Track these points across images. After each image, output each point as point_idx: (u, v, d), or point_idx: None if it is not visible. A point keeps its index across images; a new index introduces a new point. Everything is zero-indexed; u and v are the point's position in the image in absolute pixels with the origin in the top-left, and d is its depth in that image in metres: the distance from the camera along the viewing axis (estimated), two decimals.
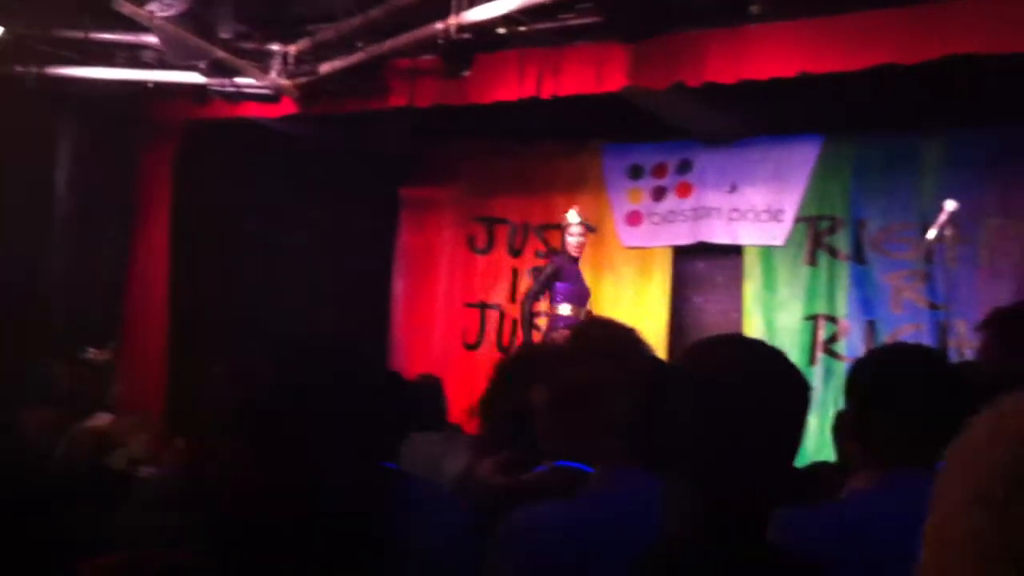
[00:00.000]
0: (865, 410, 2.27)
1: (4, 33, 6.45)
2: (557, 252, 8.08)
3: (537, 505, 2.40)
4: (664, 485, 1.72)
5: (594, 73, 6.41)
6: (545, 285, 7.90)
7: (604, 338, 3.42)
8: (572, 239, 7.87)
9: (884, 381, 2.26)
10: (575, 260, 7.90)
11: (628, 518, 2.17)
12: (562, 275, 7.83)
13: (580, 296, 7.83)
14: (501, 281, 9.20)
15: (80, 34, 7.03)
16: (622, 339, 3.38)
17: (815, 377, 7.76)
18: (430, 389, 5.42)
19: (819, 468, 3.48)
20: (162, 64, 7.23)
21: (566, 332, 7.65)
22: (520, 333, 8.23)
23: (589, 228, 8.00)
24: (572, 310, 7.72)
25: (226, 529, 1.90)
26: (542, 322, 7.88)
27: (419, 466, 5.14)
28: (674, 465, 1.70)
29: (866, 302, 7.68)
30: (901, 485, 2.07)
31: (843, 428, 3.28)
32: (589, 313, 7.59)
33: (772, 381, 1.67)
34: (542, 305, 7.96)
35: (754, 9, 5.17)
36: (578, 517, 2.33)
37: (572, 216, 7.92)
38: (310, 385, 1.93)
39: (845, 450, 3.52)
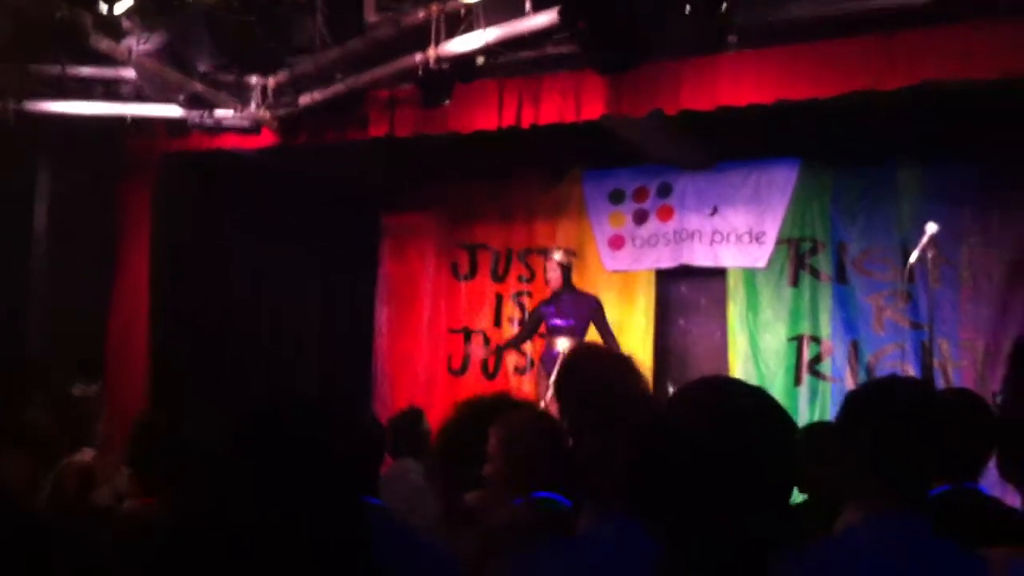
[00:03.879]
0: (880, 444, 2.27)
1: None
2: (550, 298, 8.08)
3: (528, 551, 2.40)
4: (656, 531, 1.71)
5: (573, 102, 6.45)
6: (524, 337, 8.34)
7: (594, 372, 3.36)
8: (548, 273, 8.01)
9: (895, 418, 2.26)
10: (563, 294, 7.90)
11: (619, 566, 2.17)
12: (548, 317, 7.92)
13: (573, 329, 7.82)
14: (485, 307, 9.20)
15: (57, 69, 7.00)
16: (613, 371, 3.32)
17: (800, 397, 7.80)
18: (407, 419, 5.48)
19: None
20: (140, 97, 7.21)
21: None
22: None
23: (569, 253, 8.05)
24: (571, 343, 7.67)
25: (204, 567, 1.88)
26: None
27: (404, 496, 5.17)
28: (667, 511, 1.69)
29: (849, 322, 7.71)
30: (897, 526, 2.09)
31: (826, 452, 3.28)
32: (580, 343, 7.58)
33: (760, 425, 1.66)
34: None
35: (731, 39, 5.19)
36: (570, 565, 2.32)
37: (555, 255, 8.03)
38: (280, 426, 1.94)
39: (818, 473, 3.49)
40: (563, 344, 7.73)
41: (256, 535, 1.78)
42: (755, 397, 1.68)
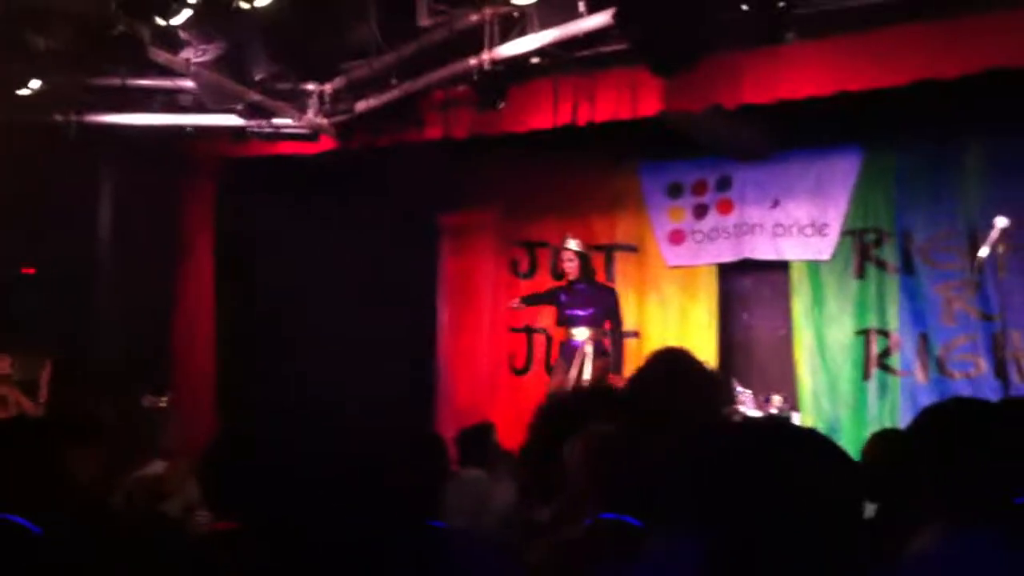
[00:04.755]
0: (946, 462, 2.23)
1: (42, 84, 6.53)
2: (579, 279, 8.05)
3: (595, 571, 2.37)
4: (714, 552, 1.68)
5: (629, 98, 6.39)
6: (534, 301, 8.48)
7: (667, 379, 3.24)
8: (564, 263, 8.00)
9: (968, 438, 2.22)
10: (579, 283, 7.91)
11: None
12: (564, 307, 7.96)
13: (593, 318, 7.81)
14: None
15: (117, 81, 7.11)
16: (690, 381, 3.21)
17: (869, 392, 7.65)
18: (479, 432, 5.51)
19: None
20: (199, 107, 7.29)
21: (607, 361, 7.66)
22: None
23: (588, 247, 8.08)
24: (591, 334, 7.75)
25: None
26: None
27: (465, 504, 5.19)
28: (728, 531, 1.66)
29: (918, 314, 7.54)
30: (973, 547, 2.04)
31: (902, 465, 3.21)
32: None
33: (825, 474, 1.63)
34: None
35: (789, 36, 5.09)
36: None
37: (566, 242, 8.01)
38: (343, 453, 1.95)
39: (890, 481, 3.41)
40: (582, 334, 7.77)
41: (331, 560, 1.80)
42: (825, 446, 1.65)
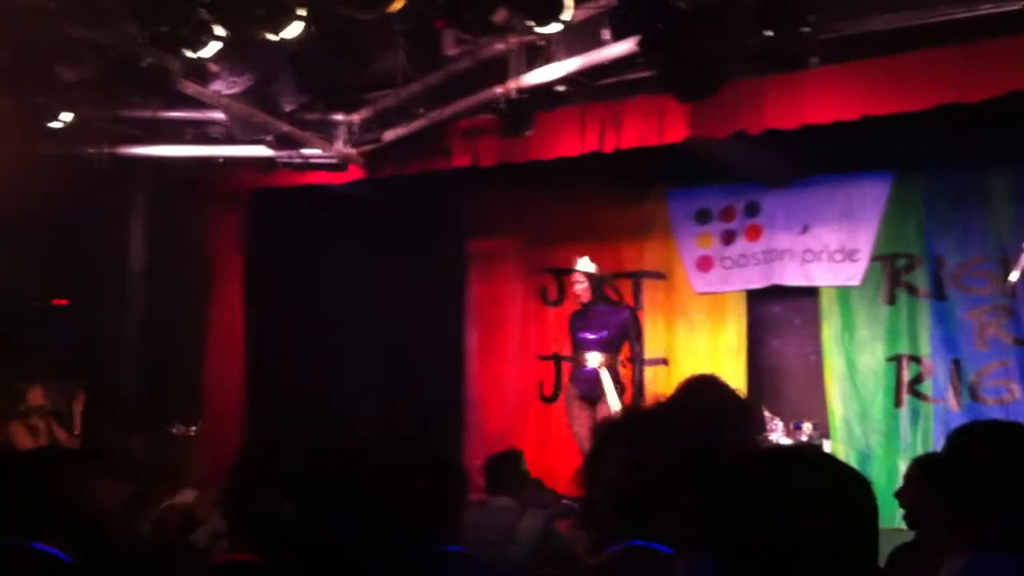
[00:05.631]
0: (968, 488, 2.19)
1: (73, 117, 6.61)
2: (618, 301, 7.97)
3: None
4: None
5: (655, 125, 6.41)
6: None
7: (701, 409, 3.23)
8: (575, 286, 7.81)
9: (991, 462, 2.18)
10: (593, 306, 7.75)
11: None
12: (577, 331, 7.77)
13: (606, 341, 7.63)
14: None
15: (149, 114, 7.20)
16: (723, 411, 3.20)
17: (902, 419, 7.57)
18: (508, 460, 5.49)
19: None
20: (229, 139, 7.37)
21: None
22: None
23: (592, 275, 7.78)
24: (604, 359, 7.58)
25: None
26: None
27: (493, 531, 5.17)
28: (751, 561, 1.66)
29: (949, 340, 7.46)
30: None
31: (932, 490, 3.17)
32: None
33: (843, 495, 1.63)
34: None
35: (814, 61, 5.09)
36: None
37: (578, 264, 7.82)
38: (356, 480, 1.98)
39: (922, 508, 3.38)
40: (594, 359, 7.57)
41: None
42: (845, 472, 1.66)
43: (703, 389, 3.22)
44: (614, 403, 7.36)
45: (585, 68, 5.65)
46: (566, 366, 9.06)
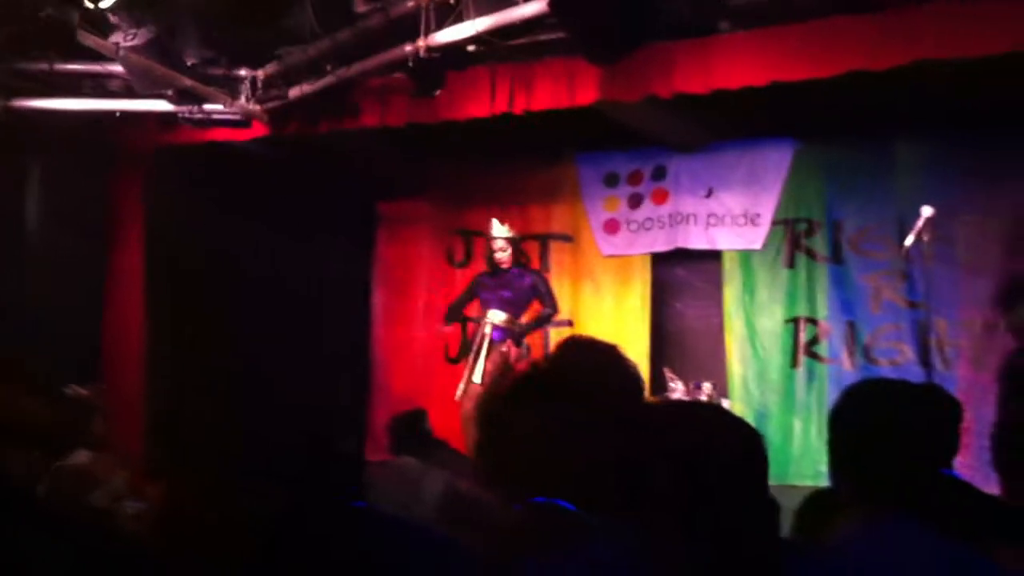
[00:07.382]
0: (859, 449, 2.25)
1: None
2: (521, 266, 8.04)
3: (535, 560, 2.37)
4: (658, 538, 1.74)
5: (566, 87, 6.41)
6: (461, 304, 8.30)
7: (583, 363, 3.31)
8: (496, 253, 7.87)
9: (880, 422, 2.23)
10: (505, 271, 7.85)
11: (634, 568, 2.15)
12: (479, 290, 7.94)
13: (513, 303, 7.77)
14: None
15: (45, 66, 6.95)
16: (603, 362, 3.28)
17: (797, 380, 7.79)
18: (412, 419, 5.47)
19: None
20: (129, 93, 7.15)
21: (515, 350, 7.64)
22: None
23: (513, 239, 7.91)
24: (506, 320, 7.72)
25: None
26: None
27: (397, 491, 5.17)
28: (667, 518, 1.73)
29: (846, 303, 7.69)
30: (894, 533, 2.07)
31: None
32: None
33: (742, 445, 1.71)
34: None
35: (724, 26, 5.14)
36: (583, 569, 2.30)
37: (495, 229, 7.90)
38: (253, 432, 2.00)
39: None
40: (496, 317, 7.71)
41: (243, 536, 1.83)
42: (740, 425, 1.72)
43: (586, 348, 3.29)
44: (478, 368, 7.50)
45: (496, 27, 5.61)
46: (472, 327, 9.10)
